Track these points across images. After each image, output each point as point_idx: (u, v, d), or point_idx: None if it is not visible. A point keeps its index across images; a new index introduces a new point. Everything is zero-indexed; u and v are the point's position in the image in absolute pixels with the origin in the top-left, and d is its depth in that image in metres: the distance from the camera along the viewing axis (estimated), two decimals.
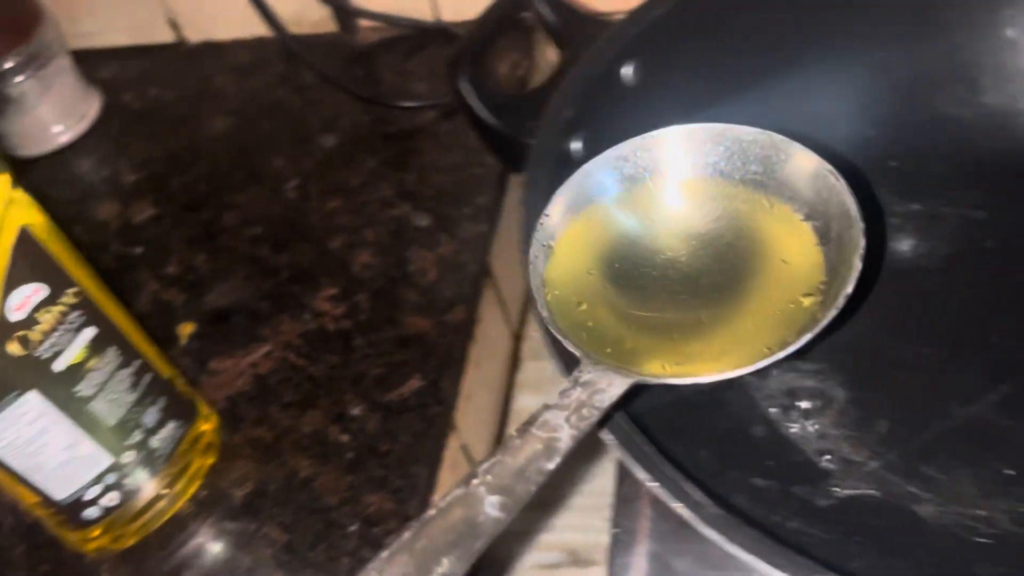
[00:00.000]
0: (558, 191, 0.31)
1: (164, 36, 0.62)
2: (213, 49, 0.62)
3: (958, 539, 0.31)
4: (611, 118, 0.36)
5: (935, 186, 0.39)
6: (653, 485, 0.25)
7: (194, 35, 0.62)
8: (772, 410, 0.35)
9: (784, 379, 0.35)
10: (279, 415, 0.42)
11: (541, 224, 0.30)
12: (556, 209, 0.30)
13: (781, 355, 0.26)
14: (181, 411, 0.39)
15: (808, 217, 0.30)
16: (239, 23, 0.60)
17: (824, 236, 0.29)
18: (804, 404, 0.35)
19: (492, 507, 0.22)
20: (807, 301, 0.28)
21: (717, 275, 0.31)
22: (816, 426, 0.34)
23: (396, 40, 0.59)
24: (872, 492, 0.32)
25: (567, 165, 0.34)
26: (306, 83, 0.57)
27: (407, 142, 0.53)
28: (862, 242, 0.27)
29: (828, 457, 0.33)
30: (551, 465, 0.24)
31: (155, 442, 0.38)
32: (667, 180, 0.32)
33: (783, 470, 0.33)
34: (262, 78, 0.59)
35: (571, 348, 0.27)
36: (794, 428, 0.34)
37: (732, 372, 0.27)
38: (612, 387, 0.26)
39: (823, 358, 0.36)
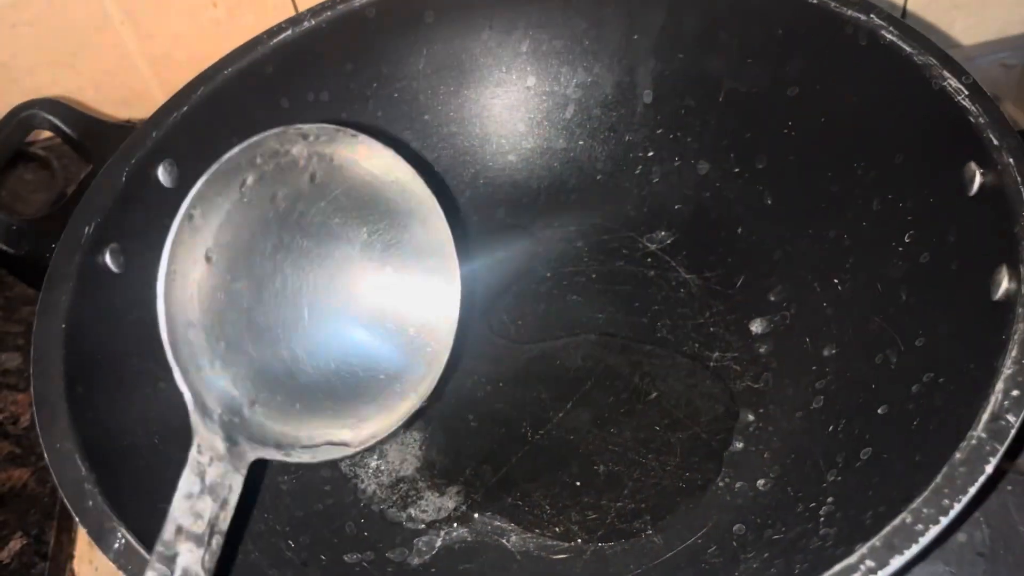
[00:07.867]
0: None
1: None
2: None
3: (541, 560, 0.32)
4: (153, 222, 0.35)
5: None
6: None
7: None
8: (362, 485, 0.35)
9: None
10: None
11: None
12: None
13: None
14: None
15: None
16: None
17: None
18: (391, 466, 0.35)
19: None
20: None
21: None
22: (405, 485, 0.34)
23: None
24: (464, 537, 0.33)
25: (101, 277, 0.33)
26: None
27: None
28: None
29: (421, 514, 0.34)
30: None
31: None
32: None
33: (377, 538, 0.33)
34: None
35: None
36: (385, 493, 0.34)
37: None
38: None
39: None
